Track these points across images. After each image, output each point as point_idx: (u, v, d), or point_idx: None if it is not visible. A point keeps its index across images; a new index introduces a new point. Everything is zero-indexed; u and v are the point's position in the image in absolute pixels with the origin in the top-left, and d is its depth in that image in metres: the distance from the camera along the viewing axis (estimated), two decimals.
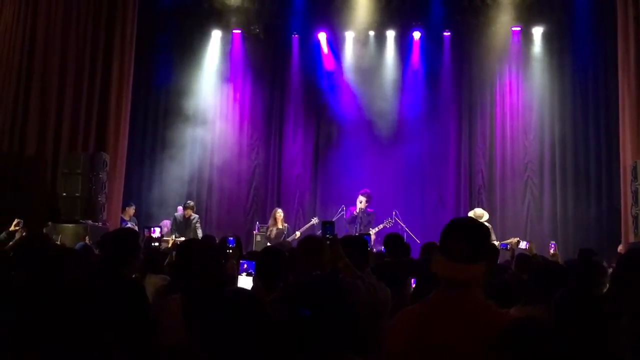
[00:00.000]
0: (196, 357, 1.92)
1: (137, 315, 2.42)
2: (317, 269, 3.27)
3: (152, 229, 6.64)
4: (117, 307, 2.19)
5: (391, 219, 10.07)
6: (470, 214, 10.41)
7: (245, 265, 2.95)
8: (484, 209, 10.72)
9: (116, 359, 1.94)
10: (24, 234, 7.01)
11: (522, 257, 5.91)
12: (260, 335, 1.84)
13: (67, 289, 1.95)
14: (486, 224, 9.85)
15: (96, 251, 5.39)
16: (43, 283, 2.10)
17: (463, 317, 2.07)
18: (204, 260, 2.71)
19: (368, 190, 10.23)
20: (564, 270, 3.03)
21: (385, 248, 5.52)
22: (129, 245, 3.28)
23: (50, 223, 8.67)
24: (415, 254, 6.47)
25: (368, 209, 10.13)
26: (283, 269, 3.31)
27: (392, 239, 5.53)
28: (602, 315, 2.25)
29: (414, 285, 3.55)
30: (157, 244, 6.07)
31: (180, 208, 10.85)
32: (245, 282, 2.92)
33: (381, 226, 9.87)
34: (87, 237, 8.05)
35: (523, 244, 7.12)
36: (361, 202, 10.07)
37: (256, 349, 1.81)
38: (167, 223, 10.65)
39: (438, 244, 2.28)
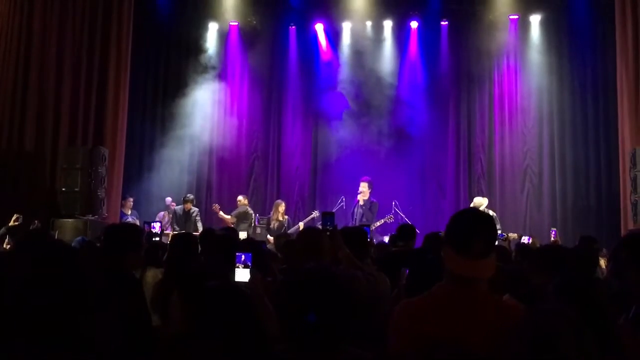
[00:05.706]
0: (197, 348, 1.92)
1: (136, 309, 2.43)
2: (317, 260, 3.28)
3: (152, 224, 6.71)
4: (115, 302, 2.19)
5: (391, 214, 9.95)
6: (472, 204, 10.33)
7: (243, 257, 2.93)
8: (483, 196, 10.71)
9: (114, 355, 1.94)
10: (32, 227, 7.00)
11: (523, 247, 5.92)
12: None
13: (66, 285, 1.95)
14: (491, 211, 9.89)
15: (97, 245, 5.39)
16: (44, 279, 2.09)
17: (477, 310, 2.05)
18: (195, 253, 2.71)
19: (368, 177, 10.15)
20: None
21: (400, 238, 5.59)
22: (131, 240, 3.28)
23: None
24: (416, 243, 6.48)
25: (372, 199, 10.04)
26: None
27: (402, 230, 5.64)
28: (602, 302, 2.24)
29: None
30: (157, 239, 6.12)
31: (169, 201, 10.87)
32: (242, 274, 2.90)
33: (382, 221, 9.65)
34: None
35: (525, 239, 7.08)
36: (363, 190, 9.93)
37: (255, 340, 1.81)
38: (161, 215, 10.69)
39: (443, 235, 2.26)
